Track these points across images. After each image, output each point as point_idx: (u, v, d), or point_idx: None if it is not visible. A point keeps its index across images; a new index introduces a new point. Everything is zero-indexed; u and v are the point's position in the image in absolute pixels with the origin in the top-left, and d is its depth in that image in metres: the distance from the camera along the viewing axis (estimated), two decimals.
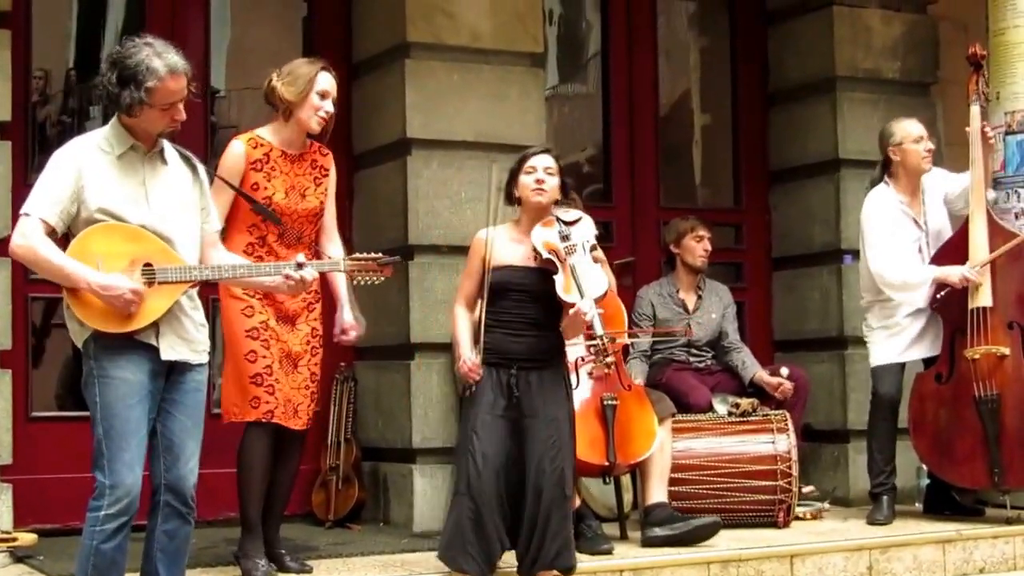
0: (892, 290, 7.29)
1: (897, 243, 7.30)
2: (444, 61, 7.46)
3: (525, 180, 5.71)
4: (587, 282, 5.65)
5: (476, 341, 5.68)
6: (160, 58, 4.66)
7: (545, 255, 5.66)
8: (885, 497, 7.37)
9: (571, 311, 5.59)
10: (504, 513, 5.55)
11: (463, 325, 5.80)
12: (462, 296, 5.86)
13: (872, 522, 7.26)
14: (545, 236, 5.71)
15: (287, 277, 4.98)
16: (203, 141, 7.45)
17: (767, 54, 9.14)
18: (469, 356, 5.63)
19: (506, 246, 5.72)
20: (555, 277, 5.64)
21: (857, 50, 8.64)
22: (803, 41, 8.85)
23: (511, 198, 5.85)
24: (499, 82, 7.58)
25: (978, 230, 7.16)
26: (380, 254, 5.18)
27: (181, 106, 4.77)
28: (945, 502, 7.52)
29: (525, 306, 5.60)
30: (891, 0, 8.77)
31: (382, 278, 5.19)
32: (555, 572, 5.62)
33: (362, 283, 5.19)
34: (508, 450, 5.55)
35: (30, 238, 4.60)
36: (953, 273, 7.12)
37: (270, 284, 5.14)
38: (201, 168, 5.00)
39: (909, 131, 7.40)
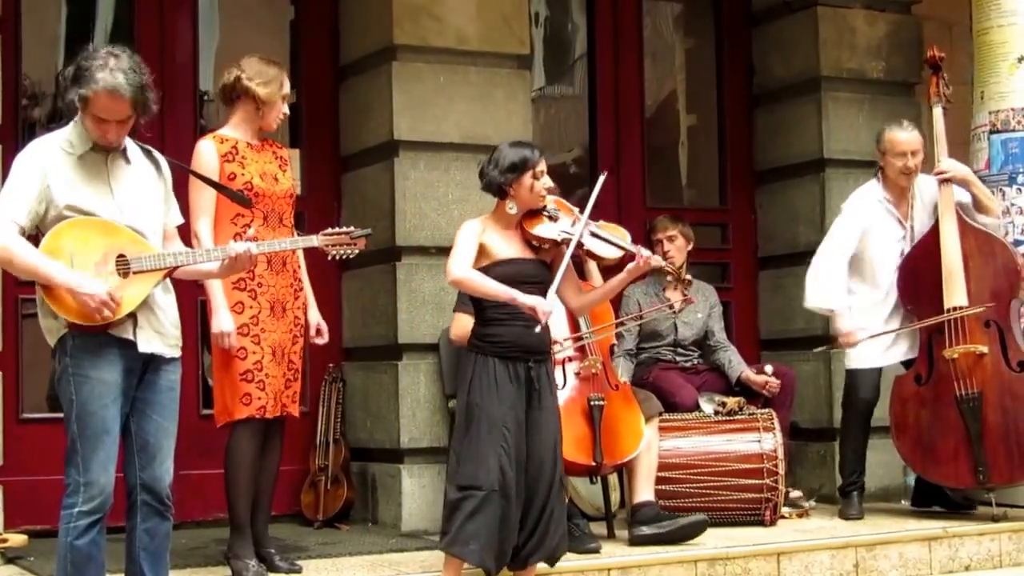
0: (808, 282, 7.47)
1: (844, 252, 7.40)
2: (431, 63, 7.50)
3: (535, 185, 5.61)
4: (613, 236, 5.83)
5: None
6: (108, 72, 4.60)
7: (560, 238, 5.68)
8: (855, 493, 7.50)
9: (633, 263, 5.70)
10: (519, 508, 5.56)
11: (484, 277, 5.52)
12: (464, 265, 5.56)
13: (846, 517, 7.38)
14: (550, 228, 5.69)
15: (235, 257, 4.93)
16: (192, 143, 7.46)
17: (752, 55, 9.17)
18: (537, 299, 5.42)
19: (501, 242, 5.65)
20: (593, 250, 5.76)
21: (841, 50, 8.67)
22: (788, 41, 8.88)
23: (500, 190, 5.67)
24: (486, 84, 7.61)
25: (948, 231, 7.20)
26: (352, 228, 5.26)
27: (114, 127, 4.68)
28: (935, 497, 7.57)
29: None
30: (875, 0, 8.81)
31: (356, 251, 5.24)
32: (543, 563, 5.68)
33: (338, 257, 5.23)
34: (524, 444, 5.57)
35: (3, 239, 4.60)
36: (851, 337, 7.31)
37: (216, 268, 5.02)
38: (164, 163, 5.01)
39: (895, 143, 7.38)
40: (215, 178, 5.82)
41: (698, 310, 7.80)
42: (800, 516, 7.49)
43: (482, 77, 7.61)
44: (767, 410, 7.32)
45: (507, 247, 5.64)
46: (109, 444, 4.69)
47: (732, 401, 7.31)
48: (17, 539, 6.29)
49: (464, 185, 7.24)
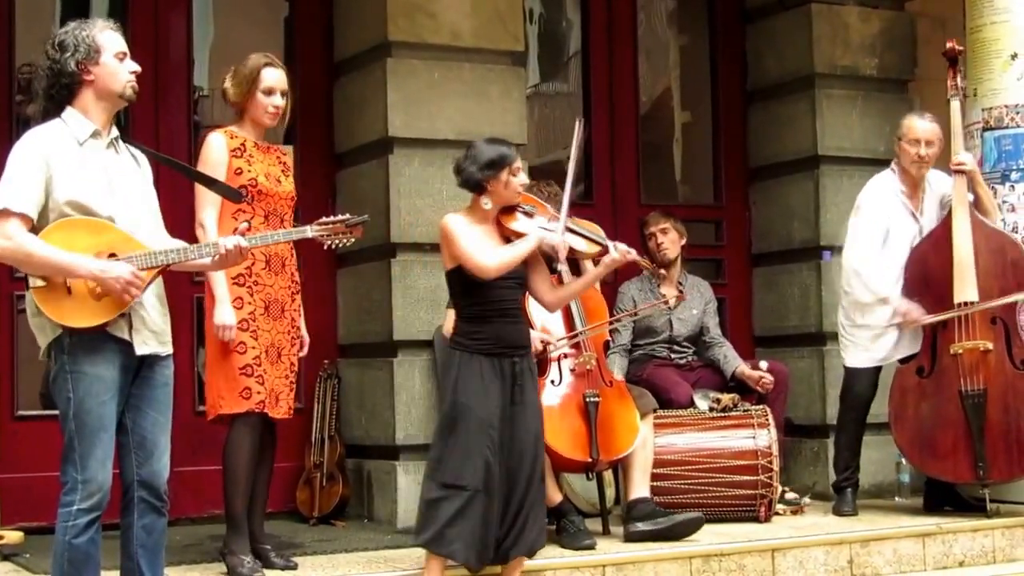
0: (853, 278, 7.37)
1: (879, 242, 7.32)
2: (425, 60, 7.49)
3: (513, 181, 5.68)
4: (589, 232, 6.02)
5: None
6: (91, 24, 4.82)
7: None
8: (850, 490, 7.50)
9: (608, 257, 5.82)
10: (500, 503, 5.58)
11: (509, 248, 5.65)
12: (488, 253, 5.59)
13: (840, 513, 7.39)
14: (527, 223, 5.78)
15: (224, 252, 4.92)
16: (186, 140, 7.50)
17: (746, 51, 9.18)
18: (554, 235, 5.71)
19: (480, 236, 5.68)
20: (572, 246, 5.86)
21: (835, 47, 8.68)
22: (782, 38, 8.89)
23: (477, 186, 5.70)
24: (480, 81, 7.61)
25: (961, 225, 7.21)
26: (348, 215, 5.18)
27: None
28: (946, 498, 7.53)
29: (515, 292, 5.64)
30: None
31: (352, 239, 5.18)
32: (522, 557, 5.70)
33: (334, 246, 5.17)
34: (507, 439, 5.59)
35: (16, 237, 4.56)
36: (912, 312, 7.20)
37: (209, 263, 5.00)
38: (143, 159, 5.01)
39: (912, 129, 7.37)
40: (222, 171, 5.84)
41: (693, 306, 7.81)
42: (795, 512, 7.49)
43: (477, 74, 7.61)
44: (762, 407, 7.32)
45: (487, 242, 5.68)
46: (107, 441, 4.68)
47: (727, 398, 7.32)
48: (13, 536, 6.29)
49: None
